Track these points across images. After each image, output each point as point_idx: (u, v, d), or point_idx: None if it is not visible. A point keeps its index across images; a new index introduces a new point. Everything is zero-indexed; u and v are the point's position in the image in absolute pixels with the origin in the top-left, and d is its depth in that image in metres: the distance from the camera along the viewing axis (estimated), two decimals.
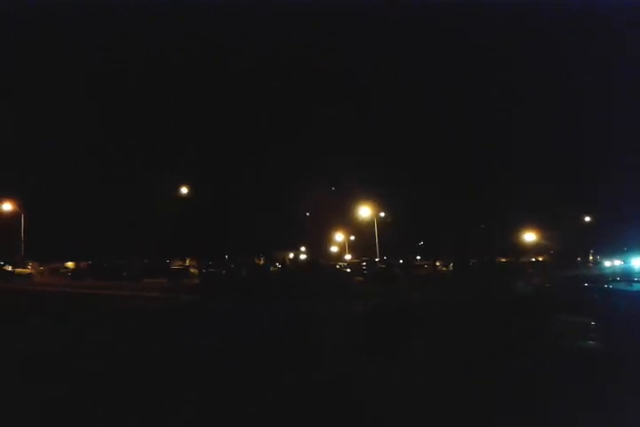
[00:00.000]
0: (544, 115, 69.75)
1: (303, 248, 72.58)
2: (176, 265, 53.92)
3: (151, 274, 44.01)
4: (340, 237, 71.71)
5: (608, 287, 27.95)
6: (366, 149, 58.33)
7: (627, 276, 36.51)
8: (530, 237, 63.04)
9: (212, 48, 63.67)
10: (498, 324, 12.23)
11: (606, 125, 67.13)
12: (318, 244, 69.78)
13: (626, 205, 58.41)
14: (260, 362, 9.07)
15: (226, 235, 53.27)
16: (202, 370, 8.62)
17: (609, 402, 6.82)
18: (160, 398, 7.16)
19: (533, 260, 65.97)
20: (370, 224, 58.28)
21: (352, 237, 72.25)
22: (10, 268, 48.03)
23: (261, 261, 58.41)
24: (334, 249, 73.92)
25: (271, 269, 50.09)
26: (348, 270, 47.90)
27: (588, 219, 67.83)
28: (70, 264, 58.65)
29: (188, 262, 57.82)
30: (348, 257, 68.26)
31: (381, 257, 60.97)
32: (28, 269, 50.51)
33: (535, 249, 66.51)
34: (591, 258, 77.34)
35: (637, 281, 31.12)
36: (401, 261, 62.14)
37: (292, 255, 69.56)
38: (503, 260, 61.11)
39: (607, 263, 66.98)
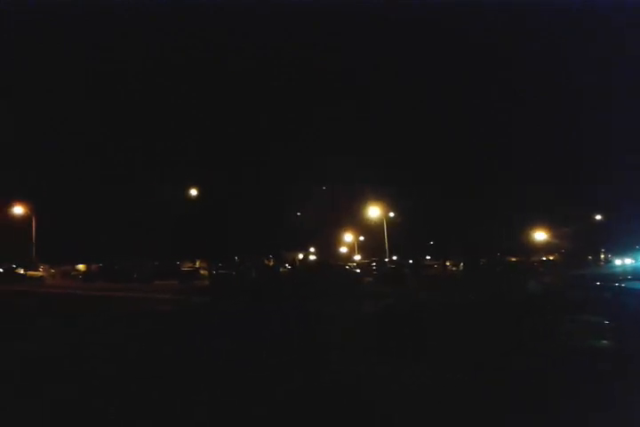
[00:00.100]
0: (544, 115, 69.68)
1: (312, 249, 72.58)
2: (186, 267, 54.13)
3: (162, 276, 44.21)
4: (349, 237, 71.67)
5: (620, 286, 27.78)
6: (366, 149, 58.32)
7: (638, 274, 36.25)
8: (540, 235, 62.73)
9: (212, 48, 63.97)
10: (509, 324, 12.19)
11: (606, 125, 66.92)
12: (328, 244, 69.77)
13: (629, 204, 58.17)
14: (271, 363, 9.10)
15: (233, 236, 53.33)
16: (212, 372, 8.65)
17: (620, 402, 6.79)
18: (171, 400, 7.20)
19: (544, 259, 65.72)
20: (379, 224, 58.18)
21: (361, 238, 72.17)
22: (22, 271, 48.43)
23: (271, 263, 58.56)
24: (344, 250, 73.88)
25: (281, 269, 50.25)
26: (358, 271, 47.86)
27: (598, 217, 67.40)
28: (81, 267, 59.01)
29: (198, 264, 58.01)
30: (357, 258, 68.20)
31: (391, 257, 60.87)
32: (40, 272, 50.87)
33: (546, 248, 66.19)
34: (602, 257, 76.92)
35: None
36: (410, 262, 62.11)
37: (301, 256, 69.61)
38: (513, 259, 60.98)
39: (618, 262, 66.61)
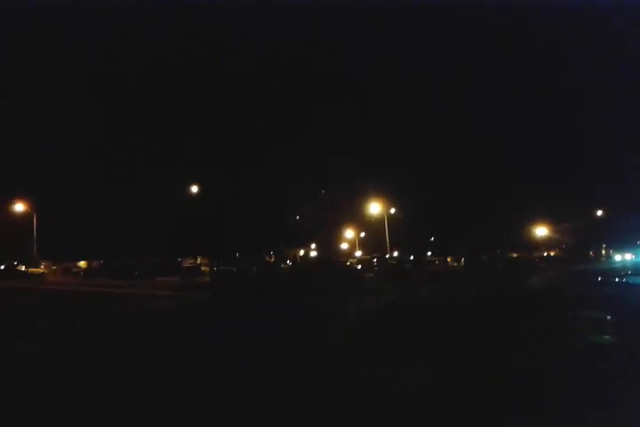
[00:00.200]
0: (544, 115, 69.78)
1: (313, 245, 72.63)
2: (187, 263, 54.21)
3: (163, 272, 44.30)
4: (350, 233, 71.69)
5: (621, 281, 27.84)
6: (366, 149, 58.33)
7: (638, 270, 36.30)
8: (541, 231, 62.77)
9: (212, 48, 63.94)
10: (509, 321, 12.19)
11: (606, 125, 66.94)
12: (328, 241, 69.81)
13: (629, 202, 58.26)
14: (271, 363, 9.10)
15: (234, 233, 53.43)
16: (212, 372, 8.66)
17: (620, 402, 6.78)
18: (171, 400, 7.20)
19: (545, 254, 65.77)
20: (380, 220, 58.19)
21: (362, 234, 72.18)
22: (23, 267, 48.54)
23: (272, 259, 58.64)
24: (344, 246, 73.92)
25: (282, 266, 50.32)
26: (359, 267, 47.90)
27: (599, 213, 67.41)
28: (82, 263, 59.15)
29: (199, 261, 58.10)
30: (358, 254, 68.23)
31: (392, 253, 60.90)
32: (41, 269, 51.06)
33: (547, 244, 66.25)
34: (603, 252, 77.01)
35: None
36: (412, 258, 62.16)
37: (302, 253, 69.65)
38: (515, 255, 61.05)
39: (618, 257, 66.67)
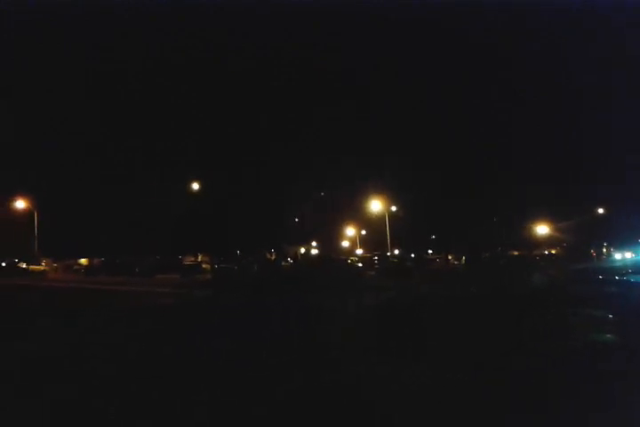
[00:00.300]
0: (544, 115, 69.62)
1: (314, 243, 72.66)
2: (188, 261, 54.29)
3: (164, 270, 44.38)
4: (351, 231, 71.70)
5: (622, 279, 27.81)
6: (366, 149, 58.30)
7: (638, 268, 36.27)
8: (542, 229, 62.77)
9: (212, 48, 63.79)
10: (510, 320, 12.18)
11: (606, 125, 66.87)
12: (329, 238, 69.83)
13: (629, 201, 58.29)
14: (271, 363, 9.10)
15: (234, 231, 53.50)
16: (212, 372, 8.66)
17: (620, 402, 6.78)
18: (171, 400, 7.20)
19: (546, 253, 65.76)
20: (381, 218, 58.18)
21: (363, 232, 72.18)
22: (24, 265, 48.60)
23: (273, 257, 58.70)
24: (345, 244, 73.93)
25: (283, 264, 50.36)
26: (360, 265, 47.91)
27: (600, 211, 67.39)
28: (83, 261, 59.27)
29: (200, 258, 58.18)
30: (359, 251, 68.26)
31: (393, 251, 60.92)
32: (42, 266, 51.12)
33: (548, 242, 66.26)
34: (605, 251, 77.04)
35: None
36: (412, 255, 62.20)
37: (303, 250, 69.68)
38: (516, 253, 61.05)
39: (618, 256, 66.70)
